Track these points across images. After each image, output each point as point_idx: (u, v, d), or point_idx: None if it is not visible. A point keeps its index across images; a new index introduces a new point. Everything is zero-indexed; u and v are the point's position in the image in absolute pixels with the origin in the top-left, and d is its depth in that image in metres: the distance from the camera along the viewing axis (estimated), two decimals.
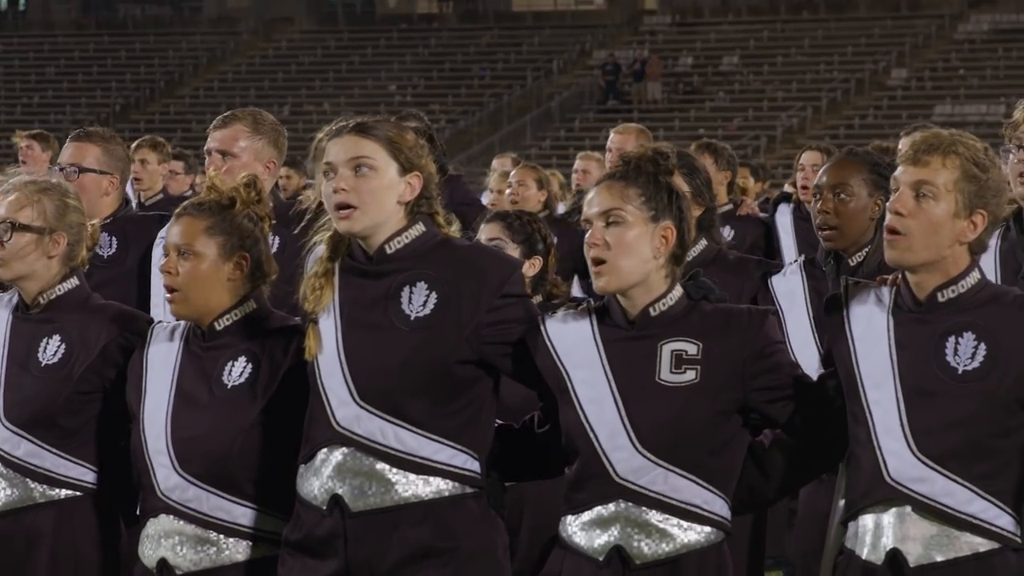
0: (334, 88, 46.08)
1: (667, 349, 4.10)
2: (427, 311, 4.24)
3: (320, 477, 4.22)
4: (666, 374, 4.08)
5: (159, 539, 4.45)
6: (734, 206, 10.09)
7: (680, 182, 5.12)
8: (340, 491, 4.19)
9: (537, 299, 5.37)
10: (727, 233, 9.40)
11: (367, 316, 4.30)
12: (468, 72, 48.13)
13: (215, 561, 4.40)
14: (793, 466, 4.27)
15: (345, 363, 4.24)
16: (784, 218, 9.59)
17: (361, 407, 4.18)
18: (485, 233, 5.79)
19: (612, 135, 9.91)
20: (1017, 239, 5.02)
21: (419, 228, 4.33)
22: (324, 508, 4.21)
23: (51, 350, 4.82)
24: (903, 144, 4.81)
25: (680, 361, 4.10)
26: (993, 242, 4.93)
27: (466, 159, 35.07)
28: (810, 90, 43.21)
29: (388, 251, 4.31)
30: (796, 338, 5.27)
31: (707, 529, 4.06)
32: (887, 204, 4.04)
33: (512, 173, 10.36)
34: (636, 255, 4.09)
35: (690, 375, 4.08)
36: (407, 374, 4.21)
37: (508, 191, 10.05)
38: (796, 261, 5.95)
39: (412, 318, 4.24)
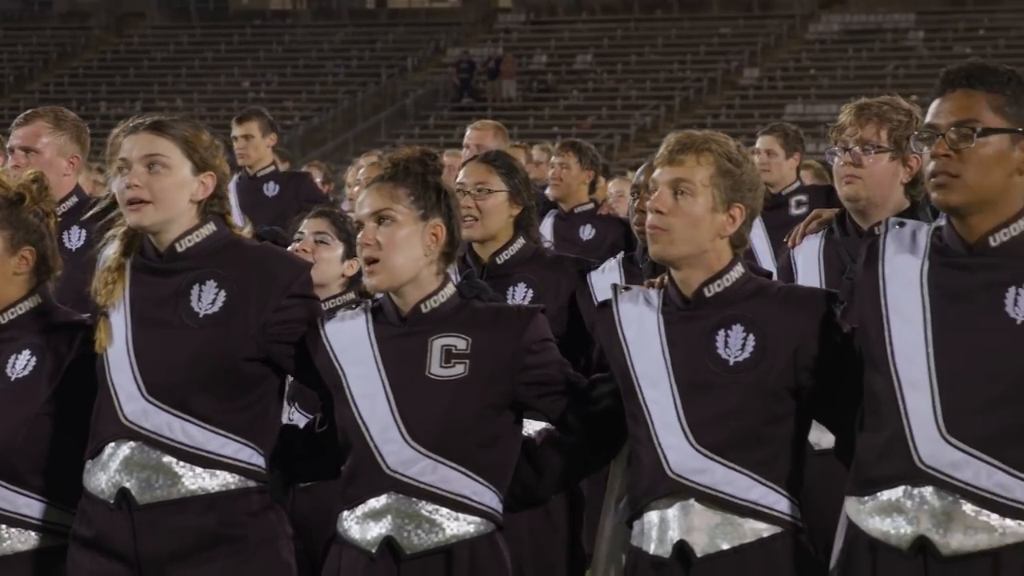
0: (187, 84, 45.63)
1: (437, 344, 4.23)
2: (215, 309, 4.34)
3: (107, 471, 4.28)
4: (436, 368, 4.21)
5: None
6: (595, 205, 10.17)
7: (497, 181, 5.56)
8: (127, 484, 4.26)
9: (350, 296, 5.53)
10: (587, 232, 9.80)
11: (157, 313, 4.39)
12: (322, 69, 47.80)
13: None
14: (565, 463, 4.40)
15: (134, 358, 4.32)
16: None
17: (149, 402, 4.26)
18: (310, 227, 5.83)
19: (469, 131, 9.97)
20: (840, 239, 5.16)
21: (210, 227, 4.42)
22: (111, 502, 4.25)
23: None
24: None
25: (449, 355, 4.23)
26: (816, 242, 5.21)
27: (320, 156, 34.83)
28: (663, 89, 43.25)
29: (179, 249, 4.40)
30: None
31: (477, 519, 4.16)
32: (648, 204, 4.17)
33: (362, 170, 10.64)
34: (407, 253, 4.21)
35: (459, 369, 4.21)
36: (194, 370, 4.30)
37: (356, 187, 10.22)
38: (616, 258, 6.08)
39: (201, 315, 4.34)
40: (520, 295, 5.69)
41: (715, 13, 47.34)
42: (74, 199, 6.94)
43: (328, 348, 4.29)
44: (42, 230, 4.65)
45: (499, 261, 5.78)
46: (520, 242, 5.77)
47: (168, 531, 4.30)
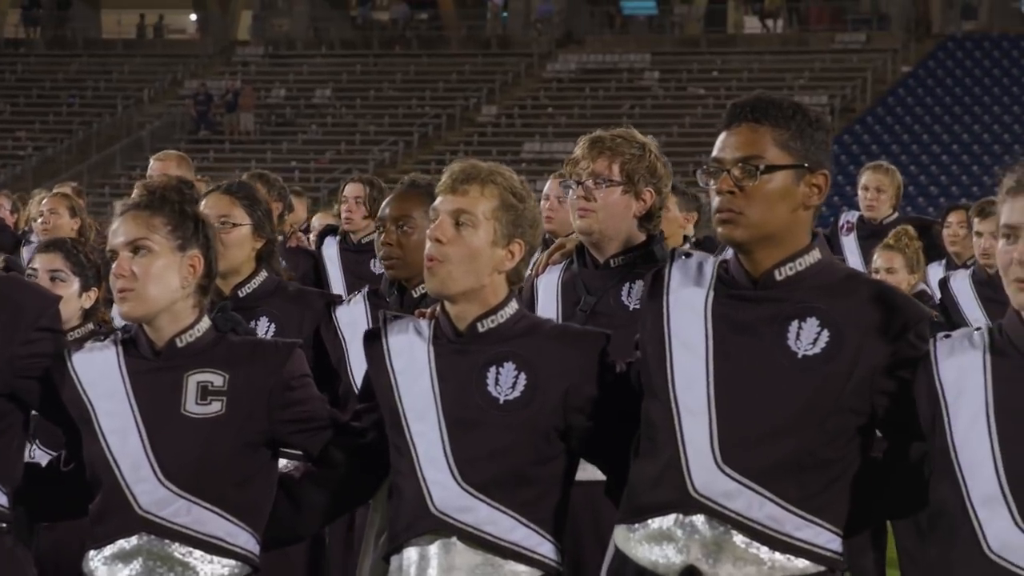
0: None
1: (193, 380, 4.12)
2: None
3: None
4: (192, 405, 4.10)
5: None
6: (284, 238, 9.97)
7: (240, 213, 5.50)
8: None
9: (89, 327, 5.48)
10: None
11: None
12: (56, 99, 46.83)
13: None
14: (327, 499, 4.34)
15: None
16: (331, 250, 9.78)
17: None
18: (43, 263, 5.65)
19: (152, 162, 9.85)
20: (578, 271, 5.19)
21: None
22: None
23: None
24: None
25: (206, 392, 4.13)
26: (557, 273, 5.24)
27: (52, 188, 33.92)
28: (402, 124, 43.16)
29: None
30: (358, 368, 5.09)
31: (232, 562, 4.08)
32: (427, 232, 4.10)
33: (44, 201, 10.23)
34: (163, 284, 4.09)
35: (216, 406, 4.10)
36: None
37: (40, 219, 9.89)
38: (360, 292, 6.02)
39: None
40: (263, 329, 5.57)
41: (454, 50, 47.67)
42: None
43: (76, 381, 4.12)
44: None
45: (241, 294, 5.65)
46: (263, 275, 5.72)
47: None
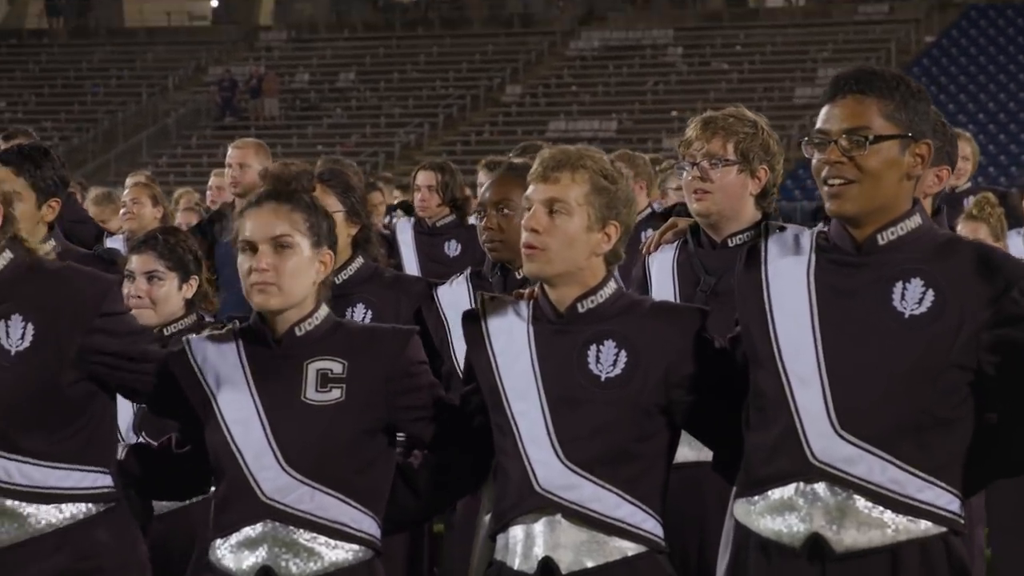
0: None
1: (312, 368, 4.20)
2: (26, 345, 4.31)
3: None
4: (312, 393, 4.18)
5: None
6: None
7: (333, 201, 5.38)
8: None
9: (193, 318, 5.64)
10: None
11: None
12: (80, 89, 46.17)
13: None
14: (443, 484, 4.42)
15: None
16: (405, 234, 9.83)
17: None
18: (139, 265, 5.73)
19: (231, 150, 9.79)
20: (695, 251, 5.19)
21: (7, 255, 4.43)
22: None
23: None
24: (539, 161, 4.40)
25: (326, 380, 4.20)
26: (671, 253, 5.21)
27: (80, 177, 34.02)
28: (426, 106, 42.53)
29: None
30: (461, 350, 5.03)
31: (355, 547, 4.14)
32: (522, 222, 4.16)
33: (127, 191, 10.19)
34: (302, 280, 4.20)
35: (336, 393, 4.19)
36: (17, 409, 4.27)
37: (123, 210, 9.96)
38: (463, 273, 5.96)
39: (12, 353, 4.30)
40: (359, 315, 5.61)
41: (476, 30, 46.88)
42: None
43: (197, 370, 4.24)
44: None
45: (337, 281, 5.41)
46: (359, 261, 5.70)
47: (22, 574, 4.31)
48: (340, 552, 4.18)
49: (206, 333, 4.45)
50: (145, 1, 51.71)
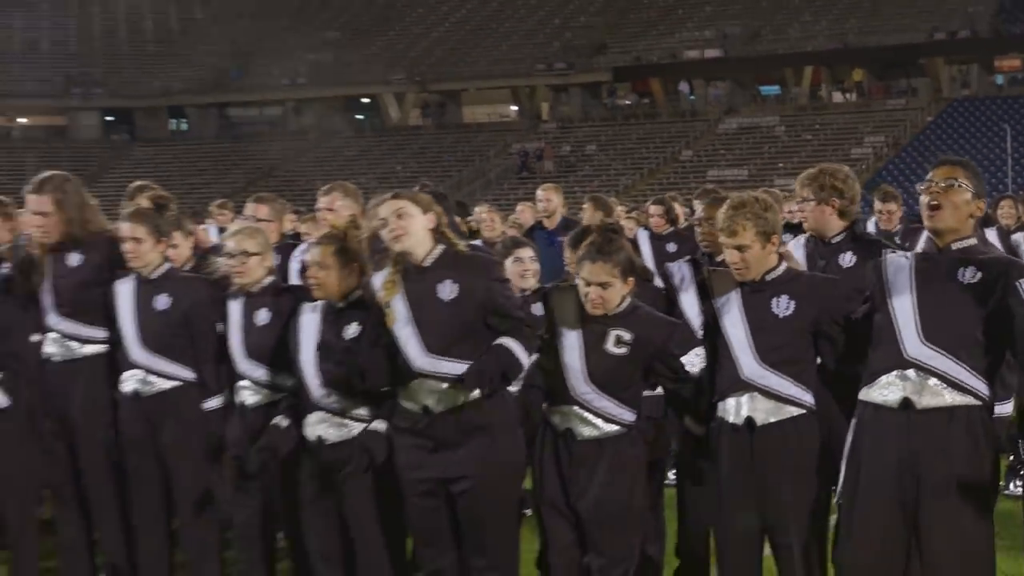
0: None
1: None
2: (455, 294, 5.02)
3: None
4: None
5: None
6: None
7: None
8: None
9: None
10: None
11: (416, 297, 5.02)
12: (441, 160, 51.79)
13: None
14: None
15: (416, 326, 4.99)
16: (645, 246, 9.97)
17: (430, 355, 4.94)
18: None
19: (539, 192, 10.88)
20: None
21: (440, 247, 5.09)
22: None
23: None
24: None
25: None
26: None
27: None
28: (638, 163, 46.67)
29: (426, 264, 5.05)
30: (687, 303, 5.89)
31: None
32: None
33: (543, 195, 10.56)
34: (615, 301, 4.98)
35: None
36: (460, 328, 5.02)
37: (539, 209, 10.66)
38: (686, 260, 6.20)
39: (445, 301, 5.01)
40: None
41: (664, 119, 51.61)
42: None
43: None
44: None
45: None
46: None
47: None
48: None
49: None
50: (476, 106, 59.47)
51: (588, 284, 5.04)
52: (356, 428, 5.25)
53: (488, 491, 5.13)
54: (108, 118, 63.80)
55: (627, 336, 5.08)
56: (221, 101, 62.51)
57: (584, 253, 5.05)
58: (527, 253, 6.27)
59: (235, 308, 5.86)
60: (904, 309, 4.49)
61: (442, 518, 5.25)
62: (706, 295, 5.08)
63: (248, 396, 5.70)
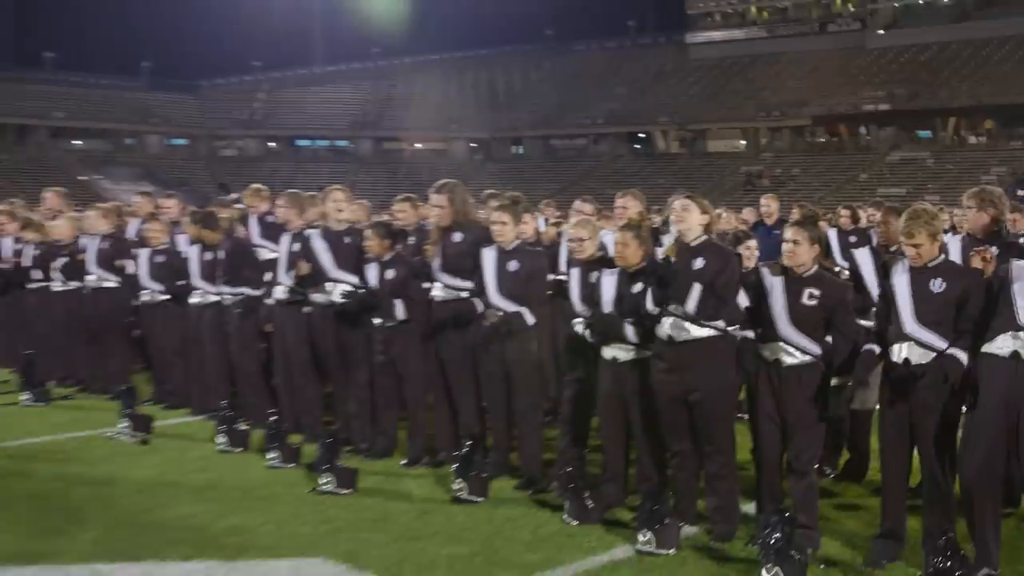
0: None
1: None
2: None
3: None
4: None
5: None
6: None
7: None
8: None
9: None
10: None
11: None
12: (691, 179, 54.70)
13: None
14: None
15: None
16: (832, 241, 10.16)
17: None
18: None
19: (763, 199, 12.00)
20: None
21: (704, 236, 5.57)
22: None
23: None
24: None
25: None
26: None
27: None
28: (836, 182, 53.64)
29: (692, 244, 5.51)
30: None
31: None
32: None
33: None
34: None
35: None
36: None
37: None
38: (867, 246, 6.92)
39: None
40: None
41: (849, 154, 57.80)
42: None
43: None
44: None
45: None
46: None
47: None
48: None
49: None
50: (717, 140, 63.55)
51: (787, 242, 5.71)
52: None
53: (713, 400, 5.78)
54: (472, 144, 71.52)
55: (816, 292, 5.57)
56: (546, 134, 70.18)
57: (789, 223, 5.81)
58: (752, 243, 7.10)
59: (574, 274, 6.68)
60: (1021, 292, 5.05)
61: (684, 417, 5.95)
62: (885, 274, 5.51)
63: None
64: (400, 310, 7.63)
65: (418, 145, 72.30)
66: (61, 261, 11.09)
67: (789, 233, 5.66)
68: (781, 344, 5.65)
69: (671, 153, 66.91)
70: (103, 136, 67.73)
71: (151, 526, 6.27)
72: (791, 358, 5.61)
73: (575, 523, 6.23)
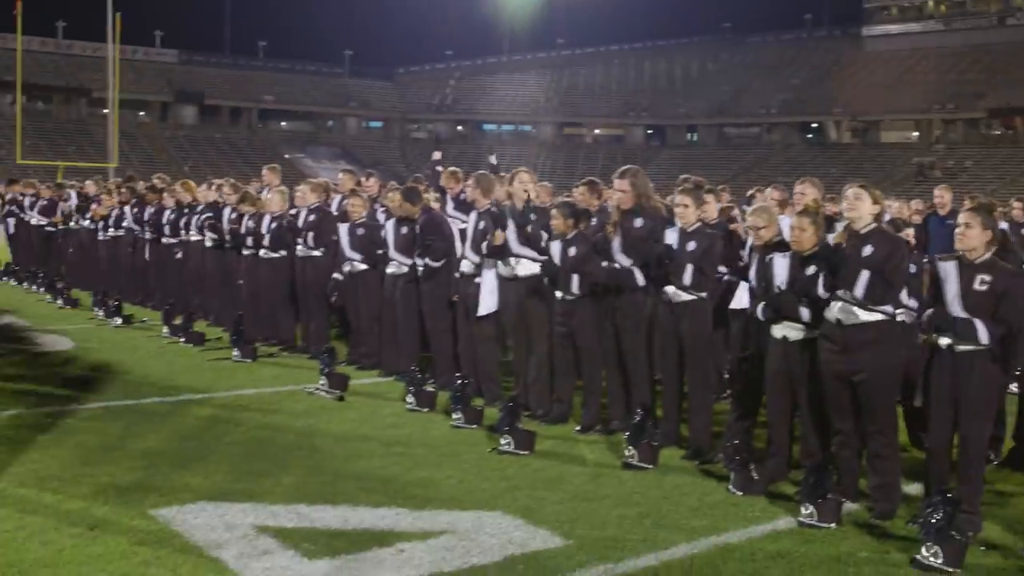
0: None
1: None
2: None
3: None
4: None
5: None
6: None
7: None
8: None
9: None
10: None
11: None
12: (860, 170, 54.58)
13: None
14: None
15: None
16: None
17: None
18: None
19: (936, 190, 12.12)
20: None
21: (874, 224, 5.63)
22: None
23: None
24: None
25: None
26: None
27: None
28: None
29: (861, 232, 5.70)
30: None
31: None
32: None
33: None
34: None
35: None
36: None
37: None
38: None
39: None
40: None
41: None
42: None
43: None
44: None
45: None
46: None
47: None
48: None
49: None
50: (889, 131, 64.16)
51: (960, 225, 5.61)
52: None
53: (878, 381, 5.78)
54: (649, 131, 73.23)
55: (988, 278, 5.45)
56: (720, 122, 71.77)
57: (964, 208, 5.84)
58: (909, 230, 7.35)
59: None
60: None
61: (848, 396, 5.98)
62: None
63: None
64: (576, 285, 7.77)
65: (597, 131, 74.43)
66: (273, 230, 11.47)
67: (962, 217, 5.57)
68: (956, 331, 5.55)
69: (843, 143, 67.75)
70: (307, 118, 71.10)
71: (346, 474, 6.50)
72: (964, 344, 5.50)
73: (740, 494, 6.28)
